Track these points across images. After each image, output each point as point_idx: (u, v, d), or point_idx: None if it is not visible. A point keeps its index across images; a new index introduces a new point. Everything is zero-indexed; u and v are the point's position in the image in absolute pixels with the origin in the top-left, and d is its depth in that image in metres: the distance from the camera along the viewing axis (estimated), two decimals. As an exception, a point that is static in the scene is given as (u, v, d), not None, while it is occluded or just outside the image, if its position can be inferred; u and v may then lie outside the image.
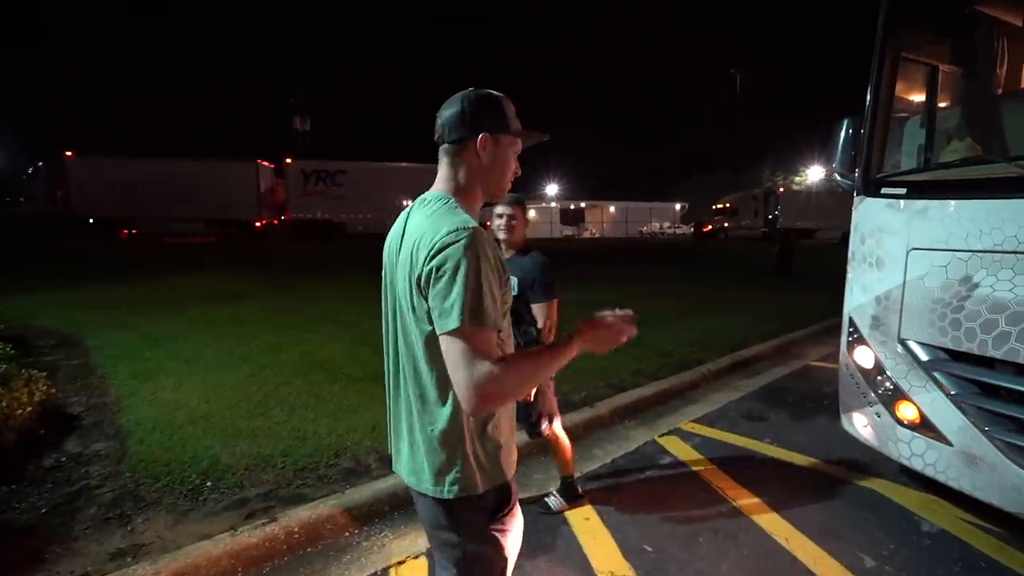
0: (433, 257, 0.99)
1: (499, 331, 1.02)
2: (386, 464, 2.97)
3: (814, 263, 15.15)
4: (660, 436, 3.51)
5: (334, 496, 2.61)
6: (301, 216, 25.37)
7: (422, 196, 1.17)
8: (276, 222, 25.68)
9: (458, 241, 0.98)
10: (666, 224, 43.94)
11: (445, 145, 1.14)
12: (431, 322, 1.01)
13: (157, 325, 6.05)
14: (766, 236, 29.73)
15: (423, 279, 1.01)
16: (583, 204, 46.22)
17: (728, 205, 33.69)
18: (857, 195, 2.61)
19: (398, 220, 1.19)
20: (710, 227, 33.85)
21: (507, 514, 1.16)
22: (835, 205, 33.62)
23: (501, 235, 2.38)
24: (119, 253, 16.74)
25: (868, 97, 2.54)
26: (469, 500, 1.09)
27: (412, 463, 1.13)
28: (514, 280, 2.21)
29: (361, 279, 10.63)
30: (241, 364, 4.65)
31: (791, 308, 8.03)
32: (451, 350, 0.97)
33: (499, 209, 2.36)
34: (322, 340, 5.59)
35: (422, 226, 1.06)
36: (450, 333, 0.96)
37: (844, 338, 2.65)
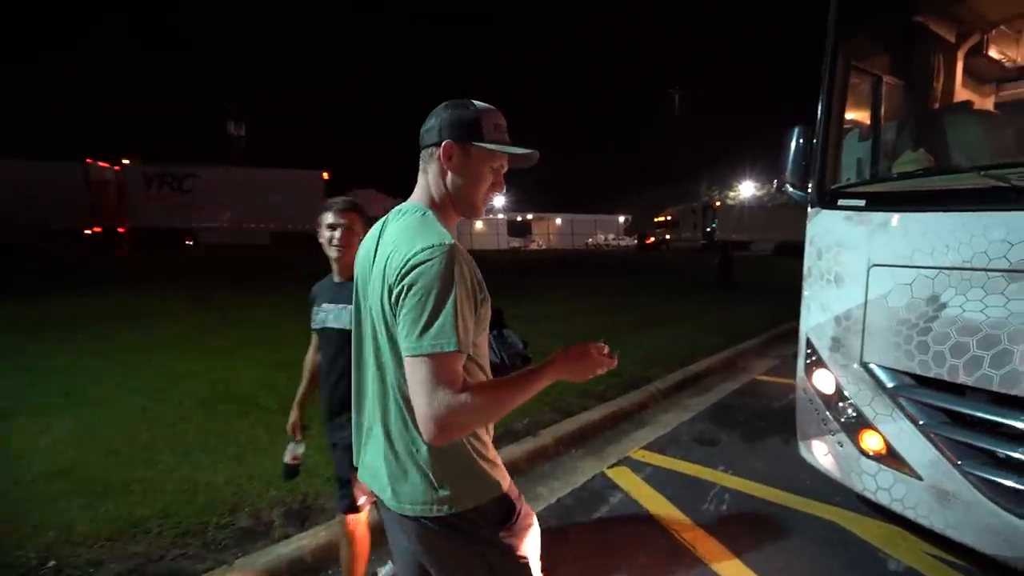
0: (405, 275, 0.95)
1: (469, 354, 0.99)
2: (292, 520, 2.51)
3: (751, 273, 15.68)
4: (609, 467, 3.22)
5: (219, 569, 2.13)
6: (143, 223, 22.09)
7: (398, 206, 1.13)
8: (122, 230, 23.00)
9: (431, 259, 0.94)
10: (611, 236, 44.87)
11: (422, 152, 1.11)
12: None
13: (36, 351, 5.21)
14: (705, 247, 30.89)
15: (394, 296, 0.97)
16: (530, 216, 46.51)
17: (669, 218, 34.78)
18: (811, 207, 2.44)
19: (372, 230, 1.14)
20: (653, 239, 34.79)
21: (517, 521, 1.09)
22: (766, 218, 35.65)
23: (332, 253, 1.81)
24: None
25: (820, 105, 2.39)
26: (468, 515, 1.04)
27: (397, 488, 1.04)
28: (346, 315, 1.75)
29: (294, 295, 9.88)
30: (132, 397, 4.00)
31: (735, 320, 8.10)
32: (413, 374, 0.93)
33: (327, 217, 1.80)
34: (238, 366, 4.98)
35: (396, 239, 1.02)
36: (414, 356, 0.93)
37: (801, 360, 2.47)
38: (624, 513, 2.71)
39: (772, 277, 15.94)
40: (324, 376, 1.93)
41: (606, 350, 1.08)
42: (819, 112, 2.40)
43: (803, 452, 2.54)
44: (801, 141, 2.58)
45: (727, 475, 3.09)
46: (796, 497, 2.81)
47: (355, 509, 1.90)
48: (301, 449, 2.16)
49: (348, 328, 1.71)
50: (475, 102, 1.09)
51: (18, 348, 5.33)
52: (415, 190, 1.12)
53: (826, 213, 2.32)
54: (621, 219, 50.60)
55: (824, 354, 2.29)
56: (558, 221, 46.83)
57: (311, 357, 2.14)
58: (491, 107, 1.10)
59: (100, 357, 5.08)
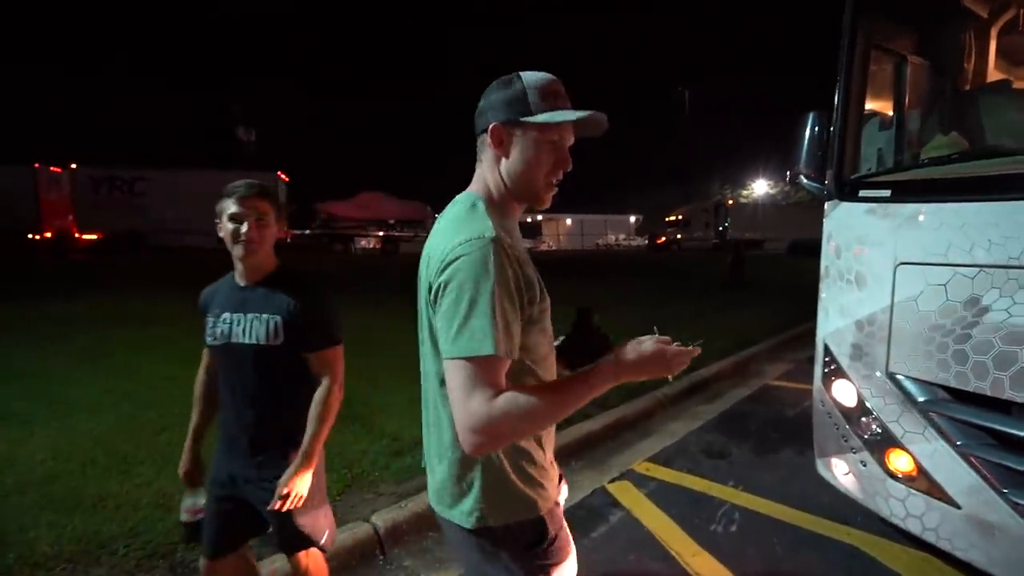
0: (443, 271, 0.89)
1: (524, 361, 0.95)
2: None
3: (764, 273, 15.32)
4: (610, 482, 3.01)
5: (182, 597, 1.96)
6: (91, 227, 21.93)
7: (457, 196, 1.04)
8: (79, 235, 22.67)
9: (469, 254, 0.87)
10: (621, 236, 44.48)
11: (477, 141, 1.03)
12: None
13: (25, 356, 5.12)
14: (717, 247, 30.43)
15: (432, 294, 0.92)
16: (539, 216, 46.29)
17: (680, 217, 34.34)
18: (829, 200, 2.22)
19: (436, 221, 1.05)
20: (664, 239, 34.37)
21: (549, 547, 1.00)
22: (779, 217, 35.10)
23: (237, 251, 1.48)
24: None
25: (837, 88, 2.17)
26: (496, 531, 0.97)
27: (438, 487, 1.02)
28: (260, 326, 1.50)
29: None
30: (120, 405, 3.87)
31: (746, 322, 7.81)
32: (451, 379, 0.87)
33: (227, 206, 1.45)
34: (231, 370, 4.84)
35: (439, 232, 0.96)
36: (450, 359, 0.87)
37: (818, 368, 2.24)
38: (624, 534, 2.50)
39: (785, 277, 15.57)
40: (227, 404, 1.60)
41: (673, 345, 0.94)
42: (837, 96, 2.18)
43: (821, 469, 2.32)
44: (817, 128, 2.36)
45: (737, 491, 2.87)
46: (813, 517, 2.58)
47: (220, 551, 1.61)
48: (201, 500, 1.68)
49: (263, 343, 1.48)
50: (523, 74, 0.97)
51: (3, 352, 5.25)
52: (473, 180, 1.04)
53: (846, 206, 2.09)
54: (632, 219, 50.16)
55: (844, 363, 2.06)
56: (568, 221, 46.54)
57: (202, 379, 1.75)
58: (543, 74, 0.98)
59: (89, 362, 4.98)
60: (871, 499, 2.01)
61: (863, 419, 1.97)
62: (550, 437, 1.06)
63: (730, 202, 35.39)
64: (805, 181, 2.40)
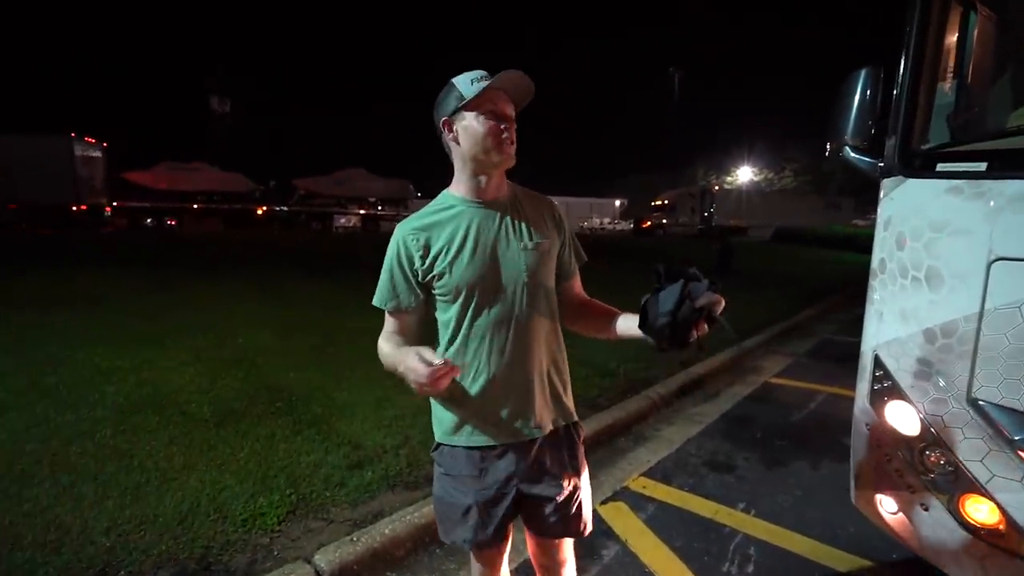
0: None
1: (407, 306, 1.23)
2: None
3: (751, 261, 15.08)
4: (603, 503, 2.60)
5: None
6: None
7: None
8: (108, 208, 21.89)
9: None
10: (606, 220, 44.11)
11: None
12: None
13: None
14: (702, 233, 30.26)
15: None
16: (525, 198, 45.43)
17: (666, 202, 34.05)
18: (887, 177, 1.78)
19: None
20: (649, 223, 34.08)
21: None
22: (764, 204, 35.09)
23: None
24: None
25: (907, 39, 1.71)
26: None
27: None
28: None
29: (281, 273, 9.17)
30: (34, 404, 3.32)
31: (738, 311, 7.48)
32: None
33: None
34: (178, 361, 4.31)
35: None
36: None
37: (864, 384, 1.83)
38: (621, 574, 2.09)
39: (773, 264, 15.37)
40: None
41: (437, 363, 1.03)
42: (905, 48, 1.72)
43: (860, 503, 1.93)
44: (870, 90, 1.91)
45: (749, 517, 2.48)
46: (841, 553, 2.21)
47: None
48: None
49: None
50: (455, 77, 1.17)
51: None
52: None
53: (915, 184, 1.66)
54: (617, 203, 49.75)
55: (904, 381, 1.65)
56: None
57: None
58: (471, 71, 1.16)
59: (15, 350, 4.39)
60: (933, 552, 1.62)
61: (929, 453, 1.57)
62: (477, 388, 1.22)
63: (716, 188, 35.17)
64: (852, 155, 1.96)
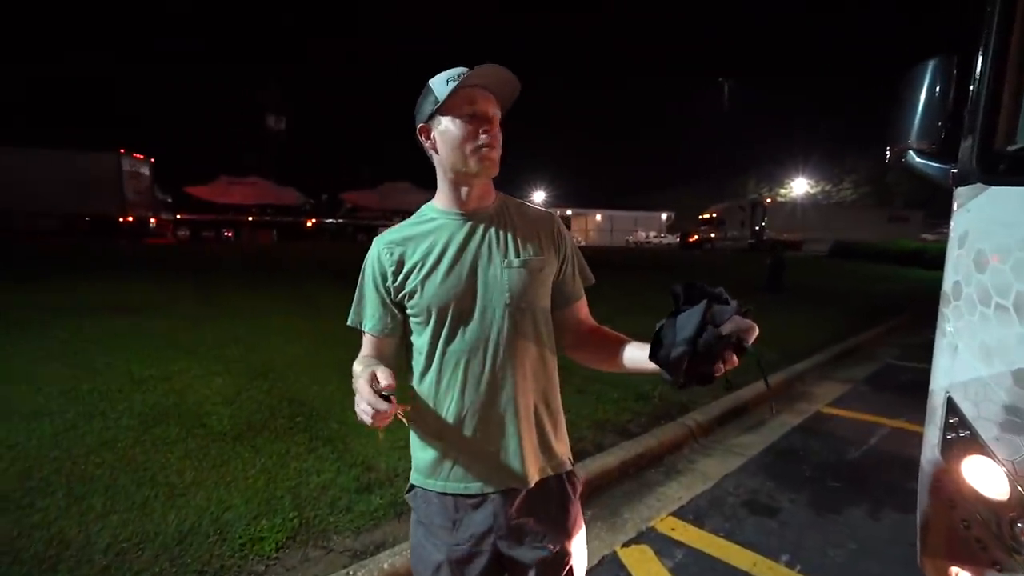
0: None
1: (375, 332, 1.12)
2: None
3: (805, 276, 14.27)
4: (624, 545, 2.36)
5: None
6: None
7: None
8: (155, 220, 23.00)
9: None
10: (652, 233, 43.23)
11: None
12: None
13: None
14: (753, 247, 29.08)
15: None
16: (568, 212, 45.37)
17: (715, 215, 33.01)
18: (962, 184, 1.50)
19: None
20: (696, 237, 33.10)
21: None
22: (820, 217, 33.41)
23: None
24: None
25: (987, 29, 1.44)
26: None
27: None
28: None
29: (321, 285, 9.35)
30: (64, 411, 3.40)
31: (790, 331, 6.97)
32: None
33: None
34: (207, 371, 4.36)
35: None
36: None
37: (934, 431, 1.54)
38: (641, 636, 1.85)
39: (830, 280, 14.46)
40: None
41: (383, 384, 0.88)
42: (987, 30, 1.45)
43: (928, 570, 1.61)
44: (939, 86, 1.63)
45: (794, 573, 2.17)
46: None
47: None
48: None
49: None
50: (432, 79, 1.06)
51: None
52: None
53: (999, 193, 1.38)
54: (664, 216, 48.73)
55: (986, 432, 1.36)
56: (598, 217, 45.58)
57: None
58: (448, 70, 1.04)
59: (58, 359, 4.57)
60: (1027, 647, 1.30)
61: (1023, 526, 1.27)
62: (447, 428, 1.07)
63: (768, 200, 33.79)
64: (918, 160, 1.68)
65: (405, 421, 1.00)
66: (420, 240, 1.08)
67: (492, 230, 1.08)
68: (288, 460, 2.89)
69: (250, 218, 27.36)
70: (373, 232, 29.51)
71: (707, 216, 33.61)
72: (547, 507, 1.11)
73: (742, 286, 12.13)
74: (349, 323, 1.14)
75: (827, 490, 2.90)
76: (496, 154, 1.04)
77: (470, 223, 1.08)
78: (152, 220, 22.95)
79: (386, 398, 0.87)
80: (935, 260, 19.97)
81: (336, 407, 3.65)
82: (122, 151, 21.45)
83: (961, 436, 1.44)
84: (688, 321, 0.86)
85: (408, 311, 1.09)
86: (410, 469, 1.17)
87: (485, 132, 1.02)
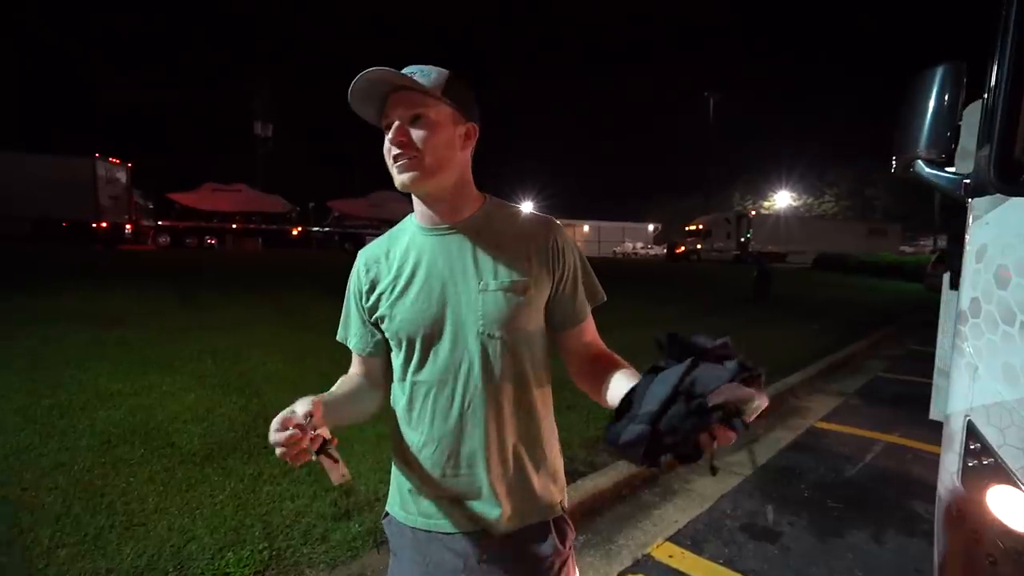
0: None
1: (358, 351, 1.07)
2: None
3: (791, 288, 14.37)
4: (620, 575, 2.22)
5: None
6: None
7: None
8: (130, 227, 22.21)
9: None
10: (639, 244, 43.47)
11: None
12: None
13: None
14: (738, 259, 29.34)
15: None
16: (557, 222, 45.42)
17: (701, 227, 33.28)
18: (978, 195, 1.42)
19: None
20: (683, 248, 33.32)
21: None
22: (803, 230, 33.86)
23: None
24: None
25: (1007, 12, 1.37)
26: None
27: None
28: None
29: (305, 294, 9.11)
30: (21, 429, 3.17)
31: (777, 344, 6.95)
32: None
33: None
34: (180, 386, 4.15)
35: None
36: None
37: (953, 458, 1.44)
38: None
39: (814, 293, 14.57)
40: None
41: (294, 423, 0.78)
42: (1003, 28, 1.38)
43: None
44: (949, 94, 1.56)
45: (799, 605, 2.05)
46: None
47: None
48: None
49: None
50: None
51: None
52: None
53: (1021, 203, 1.29)
54: (651, 227, 49.12)
55: (1014, 461, 1.25)
56: (585, 228, 45.74)
57: None
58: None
59: (19, 374, 4.32)
60: None
61: (1058, 566, 1.16)
62: (420, 455, 0.99)
63: (753, 212, 34.22)
64: (926, 170, 1.60)
65: (333, 466, 0.83)
66: (394, 258, 1.01)
67: (469, 247, 0.96)
68: (261, 483, 2.71)
69: (234, 226, 26.91)
70: (361, 241, 29.22)
71: (693, 227, 33.88)
72: (525, 556, 0.98)
73: (731, 298, 12.15)
74: (338, 338, 1.10)
75: (827, 511, 2.79)
76: (406, 158, 0.90)
77: (443, 239, 0.97)
78: (128, 226, 22.30)
79: (311, 431, 0.78)
80: (914, 273, 20.36)
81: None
82: (97, 155, 20.90)
83: (984, 464, 1.33)
84: (659, 388, 0.68)
85: (384, 333, 1.02)
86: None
87: (392, 141, 0.91)
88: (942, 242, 27.25)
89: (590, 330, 1.05)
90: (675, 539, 2.52)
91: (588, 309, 1.04)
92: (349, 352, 1.10)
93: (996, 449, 1.30)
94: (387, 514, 1.08)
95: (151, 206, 25.94)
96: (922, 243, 37.03)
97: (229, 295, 9.29)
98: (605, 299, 1.07)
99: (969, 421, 1.38)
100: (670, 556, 2.37)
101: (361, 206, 30.08)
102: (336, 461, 0.82)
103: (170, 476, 2.73)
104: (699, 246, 32.54)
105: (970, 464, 1.38)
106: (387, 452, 1.04)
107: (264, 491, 2.64)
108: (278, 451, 0.77)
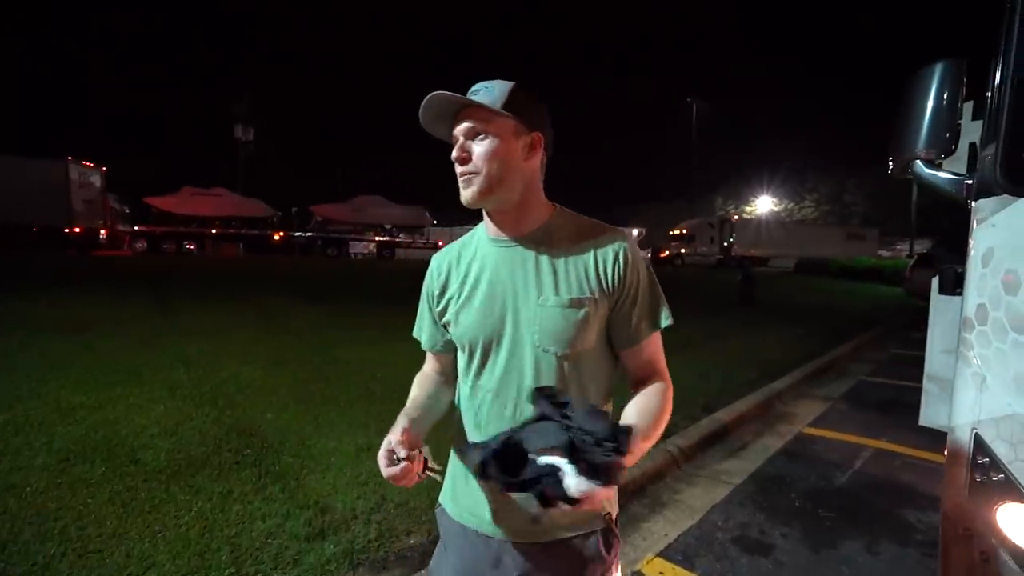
0: None
1: (428, 348, 1.12)
2: None
3: (774, 292, 14.50)
4: (610, 596, 2.11)
5: None
6: None
7: None
8: (105, 232, 21.60)
9: None
10: (624, 249, 43.62)
11: None
12: None
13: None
14: (721, 263, 29.65)
15: None
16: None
17: (685, 231, 33.56)
18: (983, 196, 1.36)
19: None
20: (667, 253, 33.56)
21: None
22: (785, 234, 34.37)
23: None
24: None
25: (1008, 25, 1.31)
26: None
27: None
28: None
29: (285, 300, 8.86)
30: (-30, 447, 2.97)
31: (764, 348, 6.95)
32: None
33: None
34: (148, 397, 3.95)
35: None
36: None
37: (960, 472, 1.36)
38: None
39: (797, 297, 14.72)
40: None
41: (398, 451, 0.87)
42: (1006, 35, 1.32)
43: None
44: (948, 92, 1.50)
45: (796, 624, 1.97)
46: None
47: None
48: None
49: None
50: None
51: None
52: None
53: (1031, 206, 1.23)
54: (635, 231, 49.45)
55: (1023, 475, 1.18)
56: (569, 232, 45.80)
57: None
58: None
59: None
60: None
61: (1078, 591, 1.09)
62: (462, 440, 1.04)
63: (736, 217, 34.63)
64: (926, 171, 1.53)
65: (438, 478, 0.99)
66: (463, 265, 1.05)
67: (532, 261, 0.98)
68: (230, 502, 2.55)
69: (214, 230, 26.37)
70: (344, 245, 28.81)
71: (677, 232, 34.17)
72: (570, 565, 0.99)
73: (715, 302, 12.19)
74: (413, 334, 1.15)
75: (819, 521, 2.73)
76: (467, 175, 0.94)
77: (509, 251, 0.99)
78: (103, 231, 21.65)
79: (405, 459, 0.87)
80: (892, 277, 20.77)
81: (291, 437, 3.32)
82: (70, 158, 20.27)
83: (994, 480, 1.26)
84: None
85: (451, 336, 1.07)
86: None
87: (457, 159, 0.95)
88: (919, 246, 27.89)
89: (646, 352, 1.01)
90: (666, 554, 2.42)
91: (649, 331, 1.01)
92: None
93: (1007, 465, 1.23)
94: (439, 505, 1.12)
95: (127, 210, 25.29)
96: (899, 247, 37.81)
97: (206, 301, 9.02)
98: (671, 323, 1.02)
99: (976, 434, 1.31)
100: (661, 573, 2.28)
101: (344, 211, 29.72)
102: (436, 471, 0.95)
103: (132, 496, 2.55)
104: (683, 250, 32.80)
105: (978, 479, 1.31)
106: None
107: (233, 510, 2.48)
108: (388, 478, 0.87)
